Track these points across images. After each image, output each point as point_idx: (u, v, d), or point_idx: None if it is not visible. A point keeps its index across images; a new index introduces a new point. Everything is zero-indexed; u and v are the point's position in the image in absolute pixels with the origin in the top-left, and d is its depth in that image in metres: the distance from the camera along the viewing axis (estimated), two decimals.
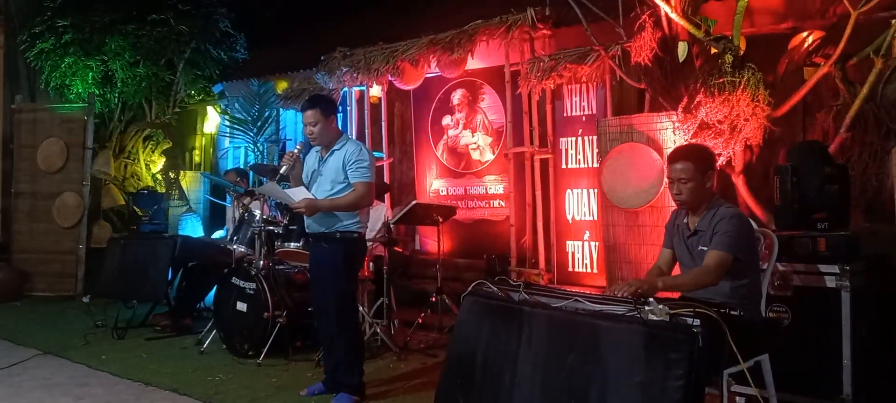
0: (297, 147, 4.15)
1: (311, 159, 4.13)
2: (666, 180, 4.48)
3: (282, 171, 4.02)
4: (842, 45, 4.12)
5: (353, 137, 5.31)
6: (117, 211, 8.24)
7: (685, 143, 4.08)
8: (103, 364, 4.83)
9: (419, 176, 7.26)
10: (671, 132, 4.58)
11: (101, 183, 8.12)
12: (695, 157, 3.18)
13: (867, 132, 4.29)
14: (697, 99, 4.29)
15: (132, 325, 5.86)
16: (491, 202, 6.67)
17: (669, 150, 4.51)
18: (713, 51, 4.46)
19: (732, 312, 2.64)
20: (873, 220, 4.24)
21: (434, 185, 7.11)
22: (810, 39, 4.63)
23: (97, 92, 8.29)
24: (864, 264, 3.63)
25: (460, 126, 6.90)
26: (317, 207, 3.90)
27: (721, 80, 4.19)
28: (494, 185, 6.63)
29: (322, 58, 7.19)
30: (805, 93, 4.38)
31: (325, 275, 3.97)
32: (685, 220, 3.28)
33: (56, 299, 7.51)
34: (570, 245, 5.89)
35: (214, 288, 5.58)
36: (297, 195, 3.96)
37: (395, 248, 6.14)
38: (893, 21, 4.04)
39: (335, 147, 3.98)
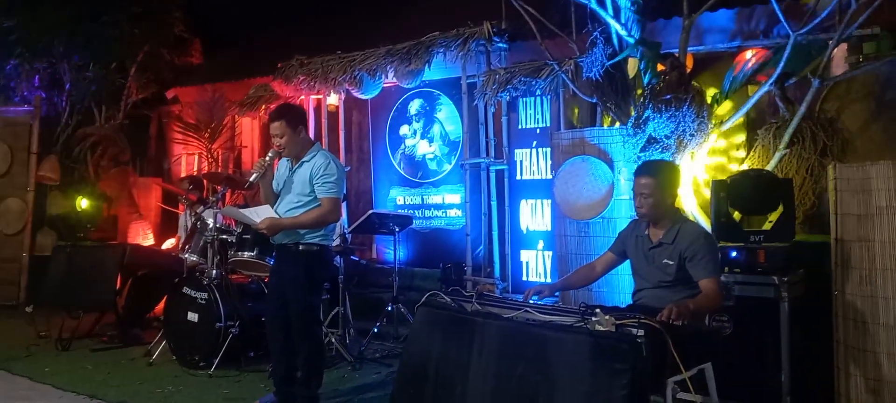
0: (269, 154, 3.98)
1: (283, 168, 4.03)
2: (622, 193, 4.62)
3: (252, 179, 3.89)
4: (781, 64, 4.31)
5: None
6: (63, 218, 8.00)
7: (653, 159, 4.22)
8: (47, 377, 4.71)
9: (376, 185, 7.27)
10: (622, 146, 4.71)
11: (47, 189, 7.88)
12: (658, 174, 3.27)
13: (805, 148, 4.49)
14: (646, 114, 4.43)
15: (77, 336, 5.70)
16: (447, 212, 6.72)
17: (619, 162, 4.65)
18: (661, 68, 4.61)
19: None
20: (811, 233, 4.43)
21: (391, 194, 7.13)
22: (753, 57, 4.82)
23: (44, 94, 8.05)
24: (801, 275, 3.80)
25: (417, 136, 6.93)
26: (278, 226, 3.82)
27: (668, 97, 4.33)
28: (451, 195, 6.68)
29: (279, 65, 7.15)
30: (747, 110, 4.56)
31: (287, 287, 3.91)
32: (646, 232, 3.35)
33: None
34: (525, 255, 5.98)
35: (164, 297, 5.48)
36: (261, 214, 3.87)
37: (351, 257, 6.13)
38: (830, 42, 4.24)
39: (305, 158, 3.90)
